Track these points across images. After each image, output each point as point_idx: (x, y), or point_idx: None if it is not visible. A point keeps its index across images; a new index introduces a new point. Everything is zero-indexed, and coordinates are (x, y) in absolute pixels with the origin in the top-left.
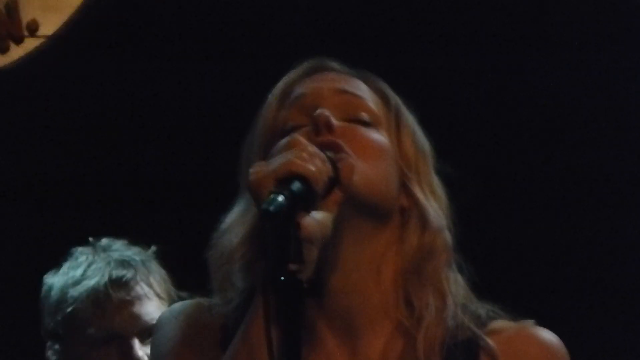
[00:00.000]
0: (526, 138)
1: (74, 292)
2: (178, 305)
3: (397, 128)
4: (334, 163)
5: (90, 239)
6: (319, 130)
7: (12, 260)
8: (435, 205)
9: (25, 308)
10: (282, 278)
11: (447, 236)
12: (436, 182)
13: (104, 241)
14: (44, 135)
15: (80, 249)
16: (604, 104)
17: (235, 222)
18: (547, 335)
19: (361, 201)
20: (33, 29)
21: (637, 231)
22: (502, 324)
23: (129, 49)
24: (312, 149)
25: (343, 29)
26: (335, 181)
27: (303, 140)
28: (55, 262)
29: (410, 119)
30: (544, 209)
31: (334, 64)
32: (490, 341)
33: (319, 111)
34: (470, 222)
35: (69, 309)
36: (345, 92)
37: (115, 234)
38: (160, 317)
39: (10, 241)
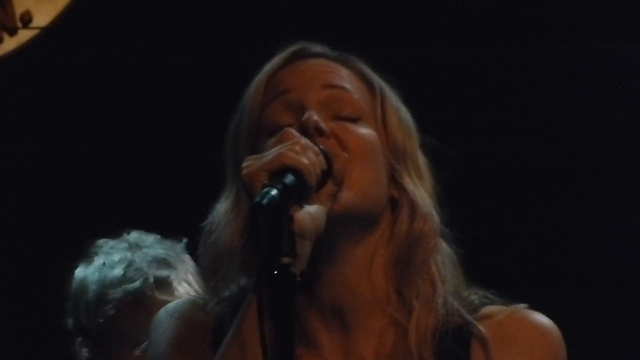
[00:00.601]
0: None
1: (115, 294)
2: (173, 304)
3: (383, 113)
4: (327, 156)
5: (109, 231)
6: (308, 134)
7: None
8: (423, 191)
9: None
10: (275, 272)
11: (436, 222)
12: (422, 161)
13: (135, 235)
14: (37, 125)
15: (110, 243)
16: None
17: (225, 217)
18: (540, 317)
19: (356, 214)
20: (27, 20)
21: (627, 219)
22: (494, 308)
23: (122, 39)
24: (305, 141)
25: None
26: (328, 174)
27: (296, 133)
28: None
29: (394, 99)
30: (536, 195)
31: (316, 48)
32: (481, 327)
33: (307, 115)
34: (462, 206)
35: (112, 312)
36: (330, 86)
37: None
38: (156, 317)
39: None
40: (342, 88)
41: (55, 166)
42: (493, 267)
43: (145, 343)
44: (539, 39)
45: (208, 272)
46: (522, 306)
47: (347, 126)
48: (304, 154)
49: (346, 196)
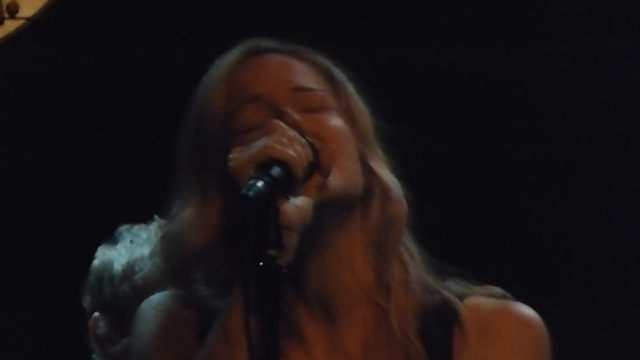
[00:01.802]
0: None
1: (144, 265)
2: (157, 296)
3: (347, 104)
4: (313, 147)
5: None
6: None
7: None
8: (391, 175)
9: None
10: (262, 264)
11: (406, 204)
12: (379, 144)
13: (162, 221)
14: (22, 116)
15: (136, 226)
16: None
17: (194, 220)
18: (525, 309)
19: (342, 200)
20: (13, 10)
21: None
22: (478, 299)
23: (108, 31)
24: (292, 133)
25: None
26: (315, 166)
27: (282, 124)
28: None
29: (352, 89)
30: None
31: (269, 44)
32: (465, 316)
33: (287, 114)
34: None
35: (139, 282)
36: (299, 89)
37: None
38: (140, 309)
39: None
40: (311, 88)
41: (44, 157)
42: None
43: (128, 337)
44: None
45: (181, 277)
46: (508, 299)
47: (320, 118)
48: (291, 146)
49: (334, 182)
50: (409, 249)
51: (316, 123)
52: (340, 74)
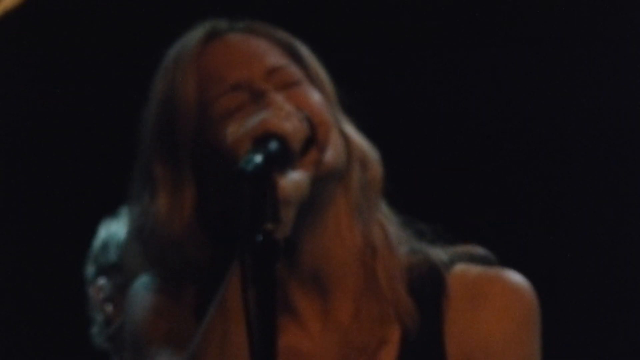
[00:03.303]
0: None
1: None
2: (148, 278)
3: (313, 74)
4: (310, 122)
5: None
6: None
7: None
8: (363, 138)
9: None
10: (259, 238)
11: (381, 167)
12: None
13: None
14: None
15: None
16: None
17: (171, 206)
18: (514, 276)
19: (336, 172)
20: None
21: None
22: (466, 267)
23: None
24: (289, 107)
25: None
26: (311, 141)
27: (279, 98)
28: None
29: (312, 56)
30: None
31: (225, 24)
32: (453, 284)
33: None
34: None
35: None
36: (272, 69)
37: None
38: (132, 291)
39: None
40: (281, 67)
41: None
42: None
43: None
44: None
45: (162, 269)
46: (482, 252)
47: (299, 93)
48: (288, 120)
49: (328, 157)
50: (382, 210)
51: (298, 99)
52: (299, 44)
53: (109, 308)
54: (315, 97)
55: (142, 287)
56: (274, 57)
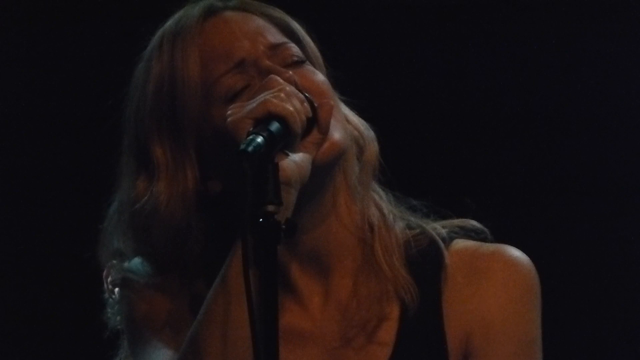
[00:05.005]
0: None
1: None
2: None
3: (310, 52)
4: (312, 103)
5: None
6: None
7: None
8: (358, 117)
9: None
10: (260, 219)
11: (377, 145)
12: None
13: None
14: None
15: None
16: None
17: (172, 188)
18: (514, 252)
19: (344, 153)
20: None
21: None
22: (466, 242)
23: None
24: (290, 89)
25: None
26: (313, 122)
27: (280, 80)
28: None
29: (307, 35)
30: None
31: (222, 2)
32: (452, 260)
33: (280, 72)
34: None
35: None
36: (274, 46)
37: None
38: (125, 275)
39: None
40: (281, 44)
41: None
42: None
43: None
44: None
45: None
46: (476, 225)
47: (304, 73)
48: (290, 101)
49: (337, 137)
50: (375, 188)
51: (303, 78)
52: (294, 23)
53: (117, 290)
54: (320, 76)
55: (136, 275)
56: (275, 35)
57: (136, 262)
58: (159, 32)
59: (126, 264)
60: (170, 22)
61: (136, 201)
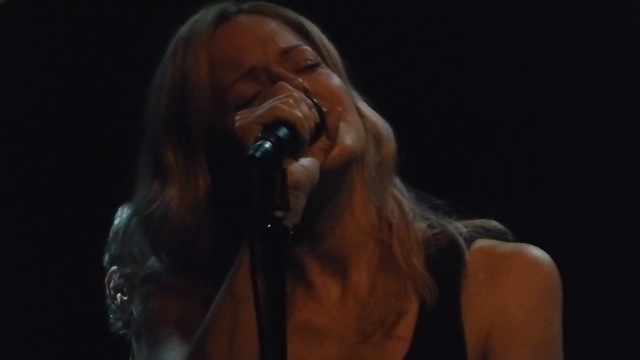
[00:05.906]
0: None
1: None
2: (157, 265)
3: (325, 53)
4: (320, 109)
5: None
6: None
7: None
8: (376, 113)
9: None
10: (268, 225)
11: (395, 143)
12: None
13: None
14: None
15: None
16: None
17: (183, 194)
18: (536, 251)
19: (357, 156)
20: None
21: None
22: (487, 242)
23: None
24: (299, 94)
25: None
26: (321, 127)
27: (289, 86)
28: None
29: (322, 35)
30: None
31: (235, 6)
32: (472, 255)
33: (290, 78)
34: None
35: None
36: (286, 50)
37: None
38: (143, 276)
39: None
40: (294, 47)
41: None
42: None
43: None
44: None
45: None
46: (497, 226)
47: (318, 77)
48: (298, 107)
49: (348, 142)
50: (397, 185)
51: (316, 84)
52: (309, 23)
53: (119, 295)
54: (334, 80)
55: (153, 275)
56: (287, 38)
57: (153, 262)
58: (175, 37)
59: (148, 263)
60: (184, 27)
61: (149, 205)
